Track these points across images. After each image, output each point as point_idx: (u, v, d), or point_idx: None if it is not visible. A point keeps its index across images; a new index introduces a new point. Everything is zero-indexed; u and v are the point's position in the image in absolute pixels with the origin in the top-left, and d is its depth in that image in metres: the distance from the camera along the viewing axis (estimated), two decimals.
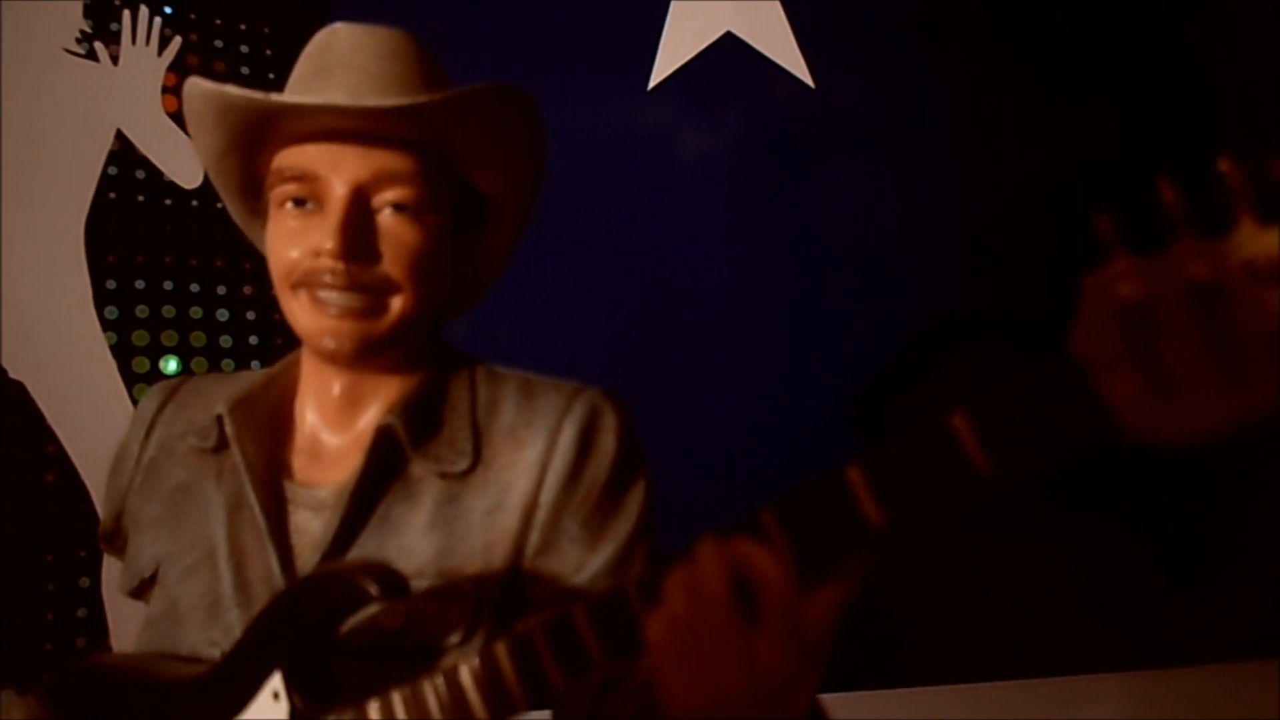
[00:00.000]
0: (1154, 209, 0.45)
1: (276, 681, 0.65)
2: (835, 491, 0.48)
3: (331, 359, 0.79)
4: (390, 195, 0.76)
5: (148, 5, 2.13)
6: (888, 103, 2.52)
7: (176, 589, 0.80)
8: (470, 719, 0.59)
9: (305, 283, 0.77)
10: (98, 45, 2.09)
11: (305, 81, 0.80)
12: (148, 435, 0.89)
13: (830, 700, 2.10)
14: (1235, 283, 0.42)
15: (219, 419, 0.82)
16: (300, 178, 0.77)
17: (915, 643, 2.58)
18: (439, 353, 0.86)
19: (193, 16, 2.18)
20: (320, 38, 0.83)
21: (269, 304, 2.13)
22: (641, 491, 0.81)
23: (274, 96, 0.74)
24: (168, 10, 2.16)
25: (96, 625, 1.91)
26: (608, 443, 0.79)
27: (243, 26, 2.25)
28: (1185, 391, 0.43)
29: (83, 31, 2.08)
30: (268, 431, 0.83)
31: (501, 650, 0.58)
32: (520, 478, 0.78)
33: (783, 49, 2.50)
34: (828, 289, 2.54)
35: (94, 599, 1.92)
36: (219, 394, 0.85)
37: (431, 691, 0.60)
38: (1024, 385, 0.46)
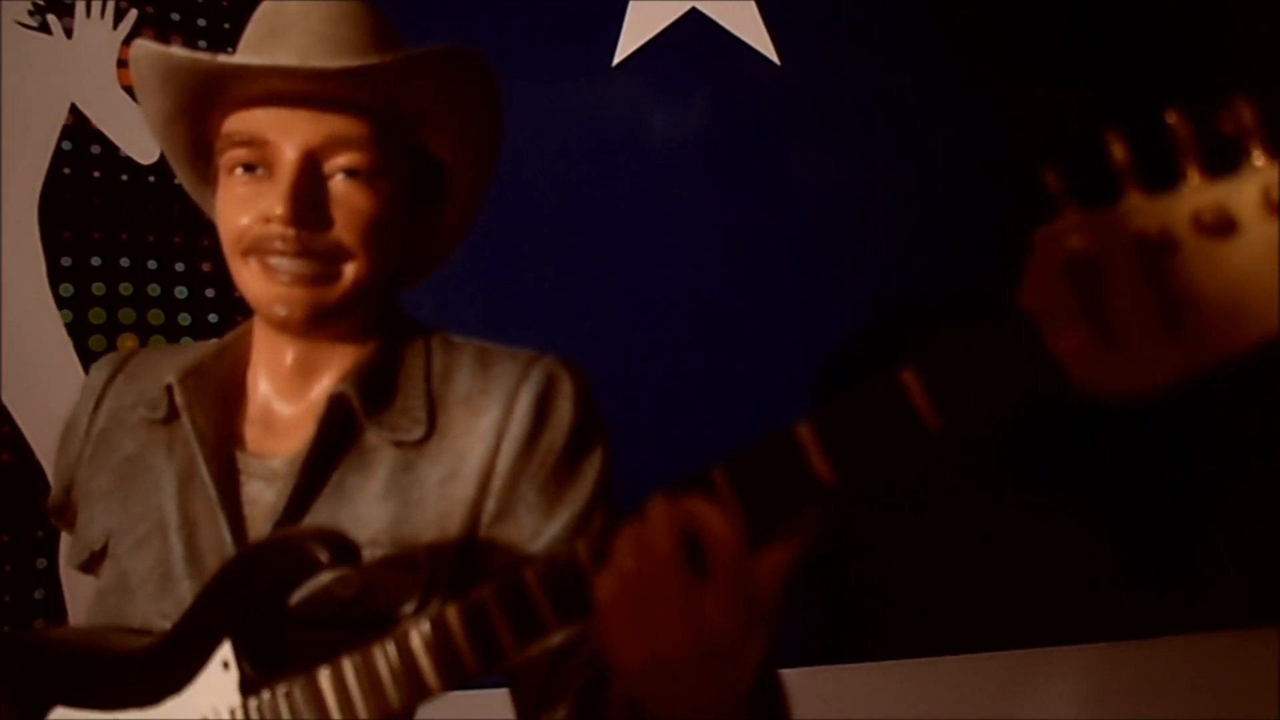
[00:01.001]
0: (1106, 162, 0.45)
1: (226, 650, 0.64)
2: (785, 449, 0.48)
3: (283, 327, 0.78)
4: (342, 160, 0.75)
5: None
6: (854, 80, 2.51)
7: (127, 561, 0.79)
8: (422, 685, 0.58)
9: (255, 249, 0.76)
10: (51, 18, 2.04)
11: (255, 44, 0.79)
12: (97, 407, 0.87)
13: (794, 675, 2.11)
14: (1181, 236, 0.42)
15: (169, 389, 0.81)
16: (249, 143, 0.75)
17: (878, 618, 2.60)
18: (394, 321, 0.85)
19: None
20: (269, 3, 0.81)
21: (228, 281, 2.08)
22: (599, 458, 0.80)
23: (220, 58, 0.72)
24: None
25: (54, 606, 1.88)
26: (564, 410, 0.79)
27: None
28: (1132, 344, 0.43)
29: (36, 4, 2.03)
30: (219, 401, 0.81)
31: (453, 614, 0.57)
32: (476, 446, 0.77)
33: (748, 26, 2.49)
34: (795, 266, 2.54)
35: (51, 580, 1.89)
36: (169, 364, 0.84)
37: (382, 657, 0.60)
38: (972, 338, 0.46)
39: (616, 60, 2.44)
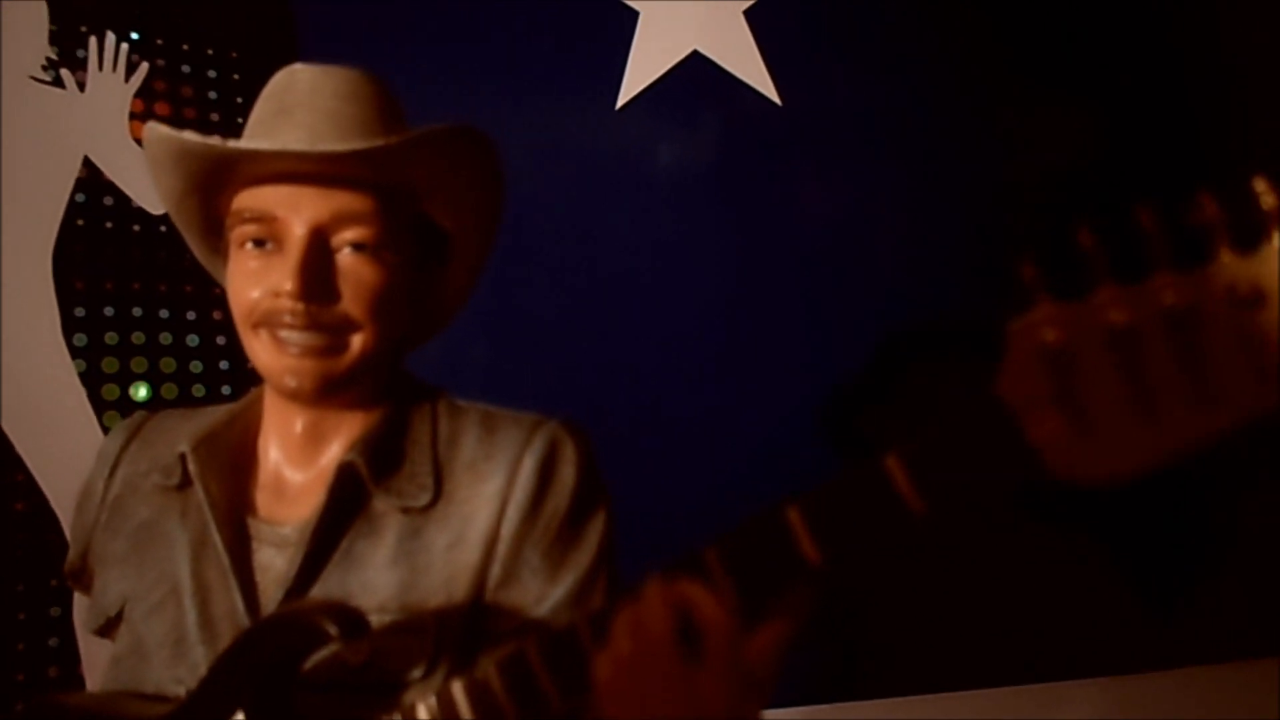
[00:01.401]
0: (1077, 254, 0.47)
1: None
2: (775, 531, 0.49)
3: (293, 397, 0.80)
4: (349, 235, 0.77)
5: (114, 31, 2.13)
6: (855, 118, 2.54)
7: (142, 627, 0.81)
8: None
9: (266, 322, 0.78)
10: (64, 72, 2.08)
11: (265, 122, 0.81)
12: (112, 473, 0.89)
13: (805, 713, 2.11)
14: (1151, 329, 0.44)
15: (182, 457, 0.83)
16: (259, 219, 0.77)
17: (888, 654, 2.59)
18: (400, 386, 0.87)
19: (159, 42, 2.18)
20: (280, 78, 0.84)
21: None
22: (601, 521, 0.82)
23: (231, 143, 0.75)
24: (134, 36, 2.16)
25: (68, 654, 1.90)
26: (567, 474, 0.81)
27: (210, 51, 2.25)
28: (1105, 431, 0.45)
29: (49, 59, 2.07)
30: (230, 469, 0.83)
31: (458, 689, 0.59)
32: (481, 511, 0.79)
33: (749, 67, 2.52)
34: (796, 303, 2.56)
35: (65, 628, 1.91)
36: (182, 431, 0.86)
37: None
38: (953, 426, 0.47)
39: (620, 103, 2.47)
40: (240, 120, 2.24)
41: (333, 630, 0.64)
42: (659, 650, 0.50)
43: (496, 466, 0.80)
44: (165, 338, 2.07)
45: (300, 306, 0.76)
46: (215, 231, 0.85)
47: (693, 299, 2.46)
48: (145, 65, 2.15)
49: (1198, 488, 2.70)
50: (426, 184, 0.80)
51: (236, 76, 2.26)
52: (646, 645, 0.50)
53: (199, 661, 0.77)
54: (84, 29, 2.11)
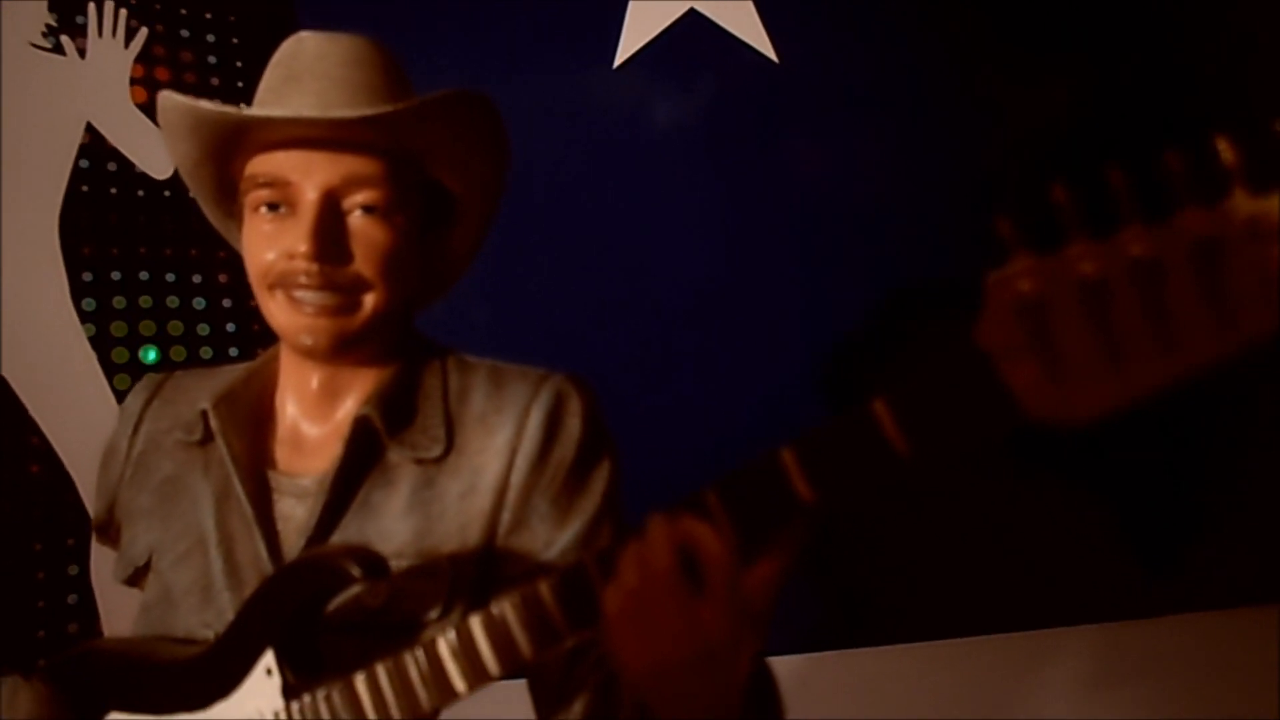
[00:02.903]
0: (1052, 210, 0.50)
1: (269, 659, 0.70)
2: (771, 472, 0.53)
3: (309, 354, 0.84)
4: (360, 198, 0.80)
5: None
6: (851, 76, 2.55)
7: (170, 575, 0.85)
8: (449, 688, 0.64)
9: (281, 283, 0.81)
10: (64, 38, 2.09)
11: (274, 89, 0.84)
12: (135, 430, 0.93)
13: (803, 661, 2.17)
14: (1118, 280, 0.47)
15: (204, 414, 0.86)
16: (273, 183, 0.80)
17: (884, 603, 2.65)
18: (410, 343, 0.90)
19: (158, 7, 2.19)
20: (288, 46, 0.86)
21: (244, 291, 2.16)
22: (606, 470, 0.85)
23: (246, 110, 0.78)
24: (133, 2, 2.17)
25: (87, 611, 1.95)
26: (573, 426, 0.84)
27: (208, 15, 2.26)
28: (1076, 376, 0.48)
29: (49, 25, 2.08)
30: (250, 424, 0.87)
31: (476, 624, 0.63)
32: (491, 461, 0.82)
33: (746, 24, 2.53)
34: (796, 263, 2.58)
35: (83, 585, 1.96)
36: (202, 389, 0.89)
37: (413, 663, 0.65)
38: (937, 373, 0.51)
39: (618, 62, 2.48)
40: (240, 84, 2.26)
41: (356, 572, 0.68)
42: (663, 583, 0.54)
43: (505, 419, 0.83)
44: (172, 301, 2.10)
45: (315, 267, 0.79)
46: (229, 196, 0.88)
47: (690, 255, 2.49)
48: (144, 30, 2.16)
49: (1192, 435, 2.75)
50: (433, 148, 0.83)
51: (235, 40, 2.27)
52: (651, 578, 0.54)
53: (225, 607, 0.81)
54: None
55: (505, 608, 0.62)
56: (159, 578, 0.86)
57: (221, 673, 0.72)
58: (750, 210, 2.55)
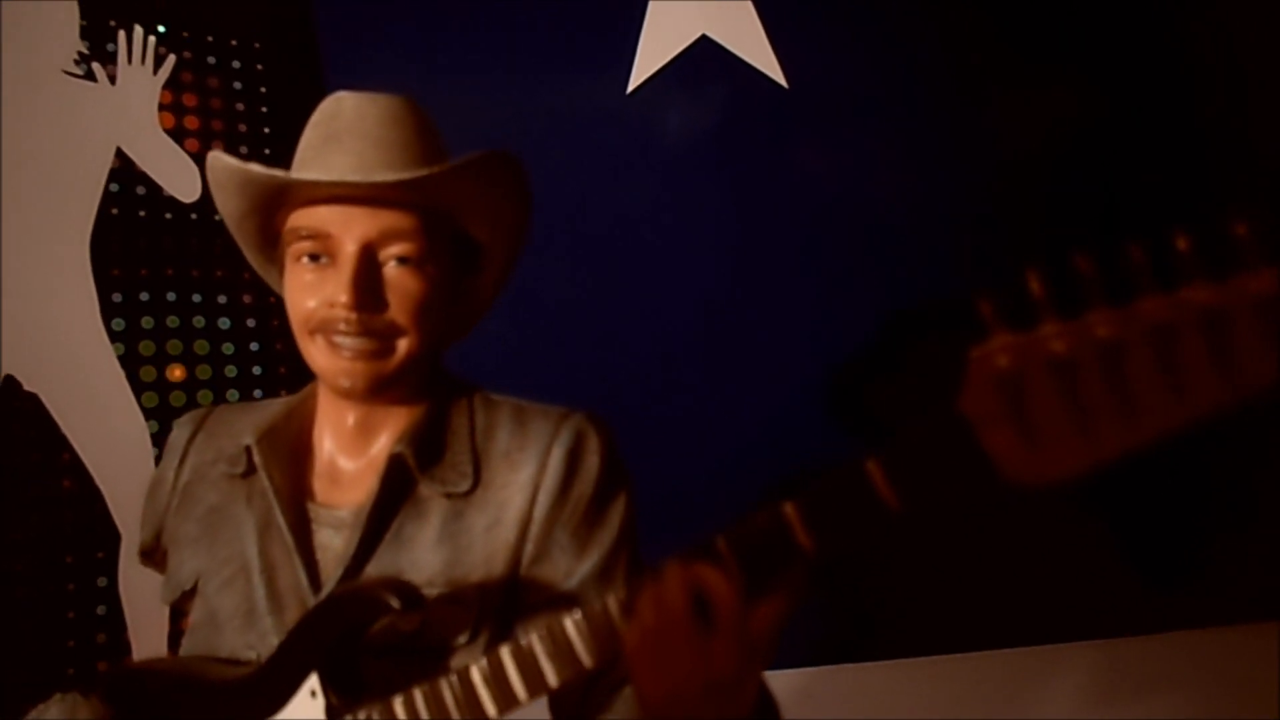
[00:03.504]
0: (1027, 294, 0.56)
1: (313, 682, 0.76)
2: (775, 523, 0.59)
3: (347, 395, 0.90)
4: (395, 250, 0.86)
5: (142, 25, 2.20)
6: (858, 102, 2.60)
7: (215, 600, 0.91)
8: (481, 711, 0.70)
9: (322, 329, 0.87)
10: (95, 66, 2.15)
11: (315, 148, 0.90)
12: (181, 463, 0.99)
13: (808, 675, 2.22)
14: (1085, 358, 0.53)
15: (247, 449, 0.92)
16: (314, 236, 0.86)
17: (888, 618, 2.69)
18: (439, 383, 0.96)
19: (186, 35, 2.25)
20: (327, 105, 0.92)
21: (268, 311, 2.23)
22: (623, 504, 0.91)
23: (292, 174, 0.84)
24: (161, 29, 2.23)
25: (115, 622, 2.02)
26: (592, 463, 0.90)
27: (234, 43, 2.32)
28: (1048, 443, 0.54)
29: (80, 53, 2.15)
30: (290, 459, 0.93)
31: (507, 654, 0.69)
32: (516, 496, 0.88)
33: (757, 51, 2.58)
34: (803, 281, 2.63)
35: (112, 597, 2.02)
36: (245, 425, 0.95)
37: (448, 688, 0.71)
38: (925, 436, 0.57)
39: (631, 87, 2.53)
40: (264, 109, 2.32)
41: (394, 603, 0.74)
42: (677, 621, 0.60)
43: (528, 456, 0.89)
44: (199, 321, 2.16)
45: (353, 315, 0.85)
46: (270, 244, 0.94)
47: (702, 278, 2.54)
48: (172, 58, 2.22)
49: (1193, 453, 2.78)
50: (464, 204, 0.89)
51: (260, 67, 2.33)
52: (667, 617, 0.60)
53: (267, 630, 0.87)
54: (113, 23, 2.18)
55: (534, 640, 0.68)
56: (205, 602, 0.92)
57: (269, 694, 0.78)
58: (760, 232, 2.61)
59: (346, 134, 0.88)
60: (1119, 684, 2.46)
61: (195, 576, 0.93)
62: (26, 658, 1.92)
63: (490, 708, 0.70)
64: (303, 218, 0.87)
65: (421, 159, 0.87)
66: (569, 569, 0.87)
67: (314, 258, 0.87)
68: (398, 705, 0.73)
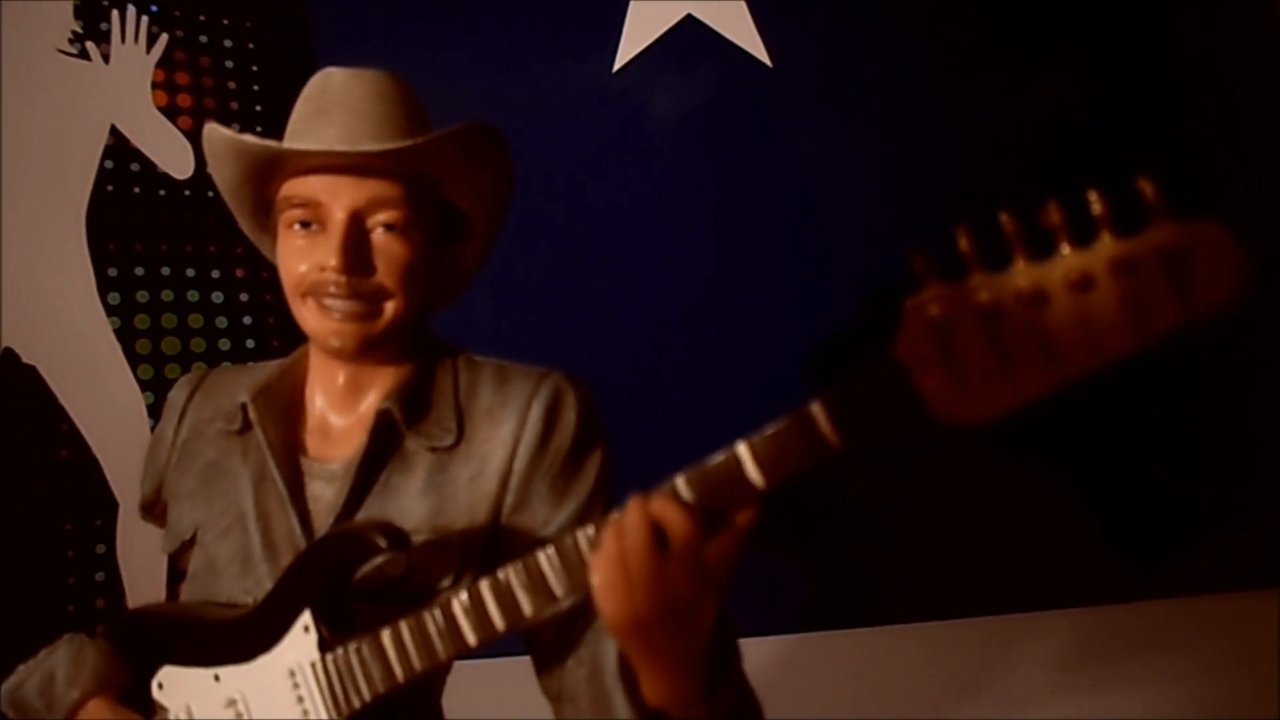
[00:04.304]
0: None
1: (306, 617, 0.82)
2: (728, 461, 0.65)
3: (336, 355, 0.95)
4: (382, 217, 0.91)
5: (135, 4, 2.23)
6: (840, 81, 2.64)
7: (213, 548, 0.96)
8: (462, 640, 0.76)
9: (313, 292, 0.92)
10: (89, 45, 2.19)
11: (306, 120, 0.94)
12: (180, 421, 1.05)
13: (788, 641, 2.28)
14: (1008, 306, 0.58)
15: (243, 406, 0.98)
16: (305, 204, 0.91)
17: (867, 586, 2.76)
18: (425, 344, 1.02)
19: (177, 14, 2.29)
20: (317, 80, 0.97)
21: (260, 285, 2.27)
22: (599, 458, 0.97)
23: (283, 144, 0.89)
24: (154, 9, 2.26)
25: (113, 587, 2.07)
26: (569, 418, 0.95)
27: (225, 22, 2.35)
28: (976, 384, 0.59)
29: (74, 32, 2.18)
30: (284, 415, 0.98)
31: (485, 587, 0.74)
32: (497, 450, 0.94)
33: (741, 30, 2.61)
34: (783, 256, 2.68)
35: (110, 563, 2.07)
36: (240, 384, 1.01)
37: (431, 620, 0.77)
38: (864, 380, 0.62)
39: (617, 66, 2.57)
40: (255, 87, 2.36)
41: (382, 543, 0.79)
42: (637, 548, 0.65)
43: (509, 412, 0.95)
44: (192, 295, 2.21)
45: (343, 279, 0.90)
46: (263, 212, 0.99)
47: (685, 252, 2.58)
48: (165, 37, 2.26)
49: (1171, 425, 2.84)
50: (447, 174, 0.94)
51: (251, 45, 2.37)
52: (628, 544, 0.65)
53: (263, 575, 0.92)
54: (106, 2, 2.21)
55: (510, 573, 0.73)
56: (203, 550, 0.97)
57: (264, 630, 0.84)
58: (743, 209, 2.65)
59: (335, 107, 0.93)
60: (1094, 650, 2.51)
61: (194, 528, 0.99)
62: (27, 622, 1.97)
63: (470, 637, 0.75)
64: (294, 187, 0.92)
65: (406, 131, 0.92)
66: (547, 517, 0.93)
67: (305, 225, 0.92)
68: (385, 637, 0.79)
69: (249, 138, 0.89)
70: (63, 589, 2.04)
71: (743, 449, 0.65)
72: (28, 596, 1.99)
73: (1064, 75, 2.69)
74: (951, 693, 2.31)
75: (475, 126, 0.91)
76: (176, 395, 1.07)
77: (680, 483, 0.66)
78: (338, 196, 0.90)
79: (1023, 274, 0.58)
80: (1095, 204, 0.58)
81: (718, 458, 0.65)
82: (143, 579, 2.08)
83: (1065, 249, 0.58)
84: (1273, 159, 2.79)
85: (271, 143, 0.89)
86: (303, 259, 0.92)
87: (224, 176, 0.96)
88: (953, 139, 2.69)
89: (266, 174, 0.93)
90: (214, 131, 0.92)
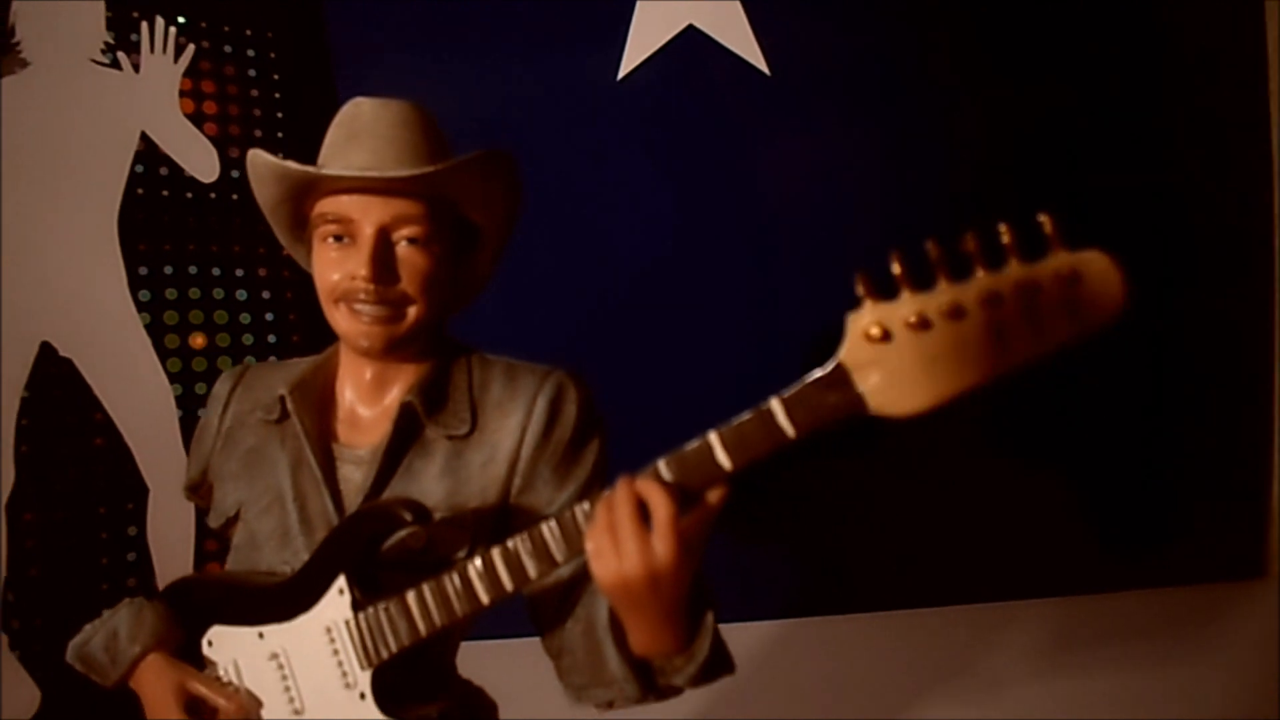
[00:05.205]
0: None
1: (341, 581, 0.94)
2: (702, 448, 0.77)
3: (365, 354, 1.07)
4: (406, 232, 1.03)
5: (163, 17, 2.36)
6: (836, 89, 2.75)
7: (255, 524, 1.09)
8: (476, 600, 0.88)
9: (344, 298, 1.04)
10: (120, 55, 2.31)
11: (339, 146, 1.06)
12: (224, 411, 1.17)
13: (777, 626, 2.41)
14: (935, 319, 0.70)
15: (281, 398, 1.10)
16: (338, 220, 1.03)
17: (855, 574, 2.87)
18: (443, 344, 1.14)
19: (204, 25, 2.41)
20: (347, 109, 1.09)
21: (282, 283, 2.40)
22: (597, 446, 1.09)
23: (320, 169, 1.01)
24: (181, 21, 2.39)
25: (144, 567, 2.20)
26: (570, 411, 1.08)
27: (248, 32, 2.47)
28: (904, 384, 0.72)
29: (107, 43, 2.31)
30: (318, 407, 1.11)
31: (496, 554, 0.87)
32: (506, 439, 1.06)
33: (741, 40, 2.72)
34: (781, 257, 2.79)
35: (141, 545, 2.20)
36: (278, 379, 1.13)
37: (450, 583, 0.89)
38: (815, 380, 0.74)
39: (621, 74, 2.67)
40: (276, 95, 2.48)
41: (407, 516, 0.92)
42: (623, 520, 0.78)
43: (517, 405, 1.07)
44: (218, 292, 2.34)
45: (371, 287, 1.02)
46: (300, 226, 1.11)
47: (686, 256, 2.69)
48: (191, 47, 2.38)
49: (1153, 421, 2.95)
50: (464, 194, 1.06)
51: (272, 55, 2.49)
52: (616, 517, 0.78)
53: (300, 548, 1.05)
54: (136, 14, 2.34)
55: (518, 542, 0.86)
56: (245, 526, 1.10)
57: (303, 593, 0.96)
58: (743, 212, 2.75)
59: (365, 134, 1.05)
60: (1074, 638, 2.60)
61: (238, 505, 1.11)
62: (63, 601, 2.10)
63: (484, 596, 0.88)
64: (328, 205, 1.04)
65: (428, 156, 1.04)
66: (550, 498, 1.05)
67: (338, 238, 1.04)
68: (409, 597, 0.92)
69: (291, 163, 1.01)
70: (97, 568, 2.17)
71: (714, 437, 0.77)
72: (64, 576, 2.12)
73: (1059, 81, 2.78)
74: (932, 677, 2.40)
75: (491, 154, 1.03)
76: (220, 389, 1.19)
77: (661, 465, 0.79)
78: (367, 214, 1.02)
79: (945, 292, 0.71)
80: (1004, 234, 0.70)
81: (693, 444, 0.78)
82: (171, 559, 2.21)
83: (980, 272, 0.70)
84: (1249, 165, 2.90)
85: (310, 168, 1.01)
86: (336, 269, 1.04)
87: (265, 195, 1.08)
88: (945, 146, 2.79)
89: (303, 193, 1.05)
90: (257, 156, 1.05)
